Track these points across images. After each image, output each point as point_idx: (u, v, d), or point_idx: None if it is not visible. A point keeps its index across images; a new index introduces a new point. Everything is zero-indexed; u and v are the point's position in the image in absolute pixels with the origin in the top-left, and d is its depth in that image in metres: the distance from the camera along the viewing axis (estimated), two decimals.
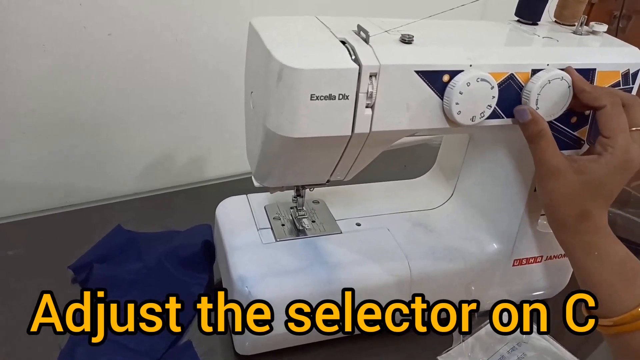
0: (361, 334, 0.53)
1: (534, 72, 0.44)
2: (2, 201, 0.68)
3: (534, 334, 0.55)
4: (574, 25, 0.52)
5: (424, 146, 0.91)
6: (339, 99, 0.39)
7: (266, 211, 0.56)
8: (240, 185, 0.62)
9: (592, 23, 0.51)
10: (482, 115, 0.43)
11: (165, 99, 0.72)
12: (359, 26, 0.42)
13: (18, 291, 0.56)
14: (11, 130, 0.65)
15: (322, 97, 0.39)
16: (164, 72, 0.70)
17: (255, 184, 0.49)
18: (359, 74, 0.39)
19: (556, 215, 0.45)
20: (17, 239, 0.64)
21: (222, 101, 0.75)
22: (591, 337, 0.52)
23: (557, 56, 0.45)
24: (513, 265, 0.55)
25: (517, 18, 0.53)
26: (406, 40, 0.42)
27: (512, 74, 0.44)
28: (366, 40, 0.41)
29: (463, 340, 0.53)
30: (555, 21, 0.54)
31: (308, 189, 0.54)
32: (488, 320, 0.55)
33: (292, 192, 0.55)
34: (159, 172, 0.76)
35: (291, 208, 0.55)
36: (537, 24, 0.52)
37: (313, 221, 0.55)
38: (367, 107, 0.40)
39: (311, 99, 0.38)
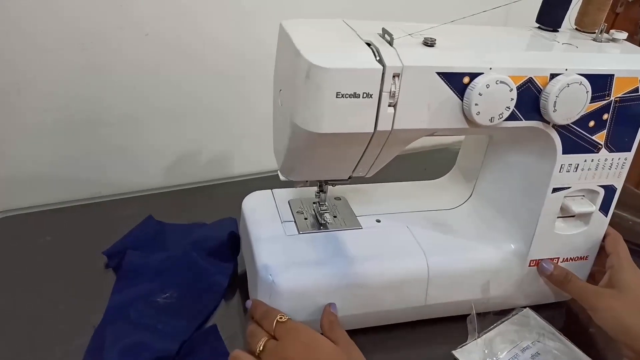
0: (376, 326, 0.55)
1: (552, 76, 0.46)
2: (42, 191, 0.72)
3: (549, 334, 0.56)
4: (594, 32, 0.54)
5: (444, 150, 0.93)
6: (363, 97, 0.41)
7: (290, 205, 0.59)
8: (261, 184, 0.64)
9: (612, 31, 0.53)
10: (501, 116, 0.45)
11: (191, 98, 0.75)
12: (383, 29, 0.45)
13: (54, 274, 0.60)
14: (48, 125, 0.69)
15: (347, 95, 0.41)
16: (192, 72, 0.73)
17: (281, 177, 0.52)
18: (383, 74, 0.41)
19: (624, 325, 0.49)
20: (55, 225, 0.68)
21: (249, 102, 0.78)
22: (605, 338, 0.52)
23: (575, 62, 0.47)
24: (529, 265, 0.56)
25: (538, 25, 0.55)
26: (428, 43, 0.44)
27: (531, 77, 0.45)
28: (390, 43, 0.43)
29: (478, 337, 0.54)
30: (576, 28, 0.55)
31: (330, 185, 0.56)
32: (505, 318, 0.56)
33: (314, 188, 0.57)
34: (186, 168, 0.80)
35: (314, 203, 0.58)
36: (557, 31, 0.54)
37: (335, 216, 0.57)
38: (389, 106, 0.43)
39: (337, 97, 0.41)
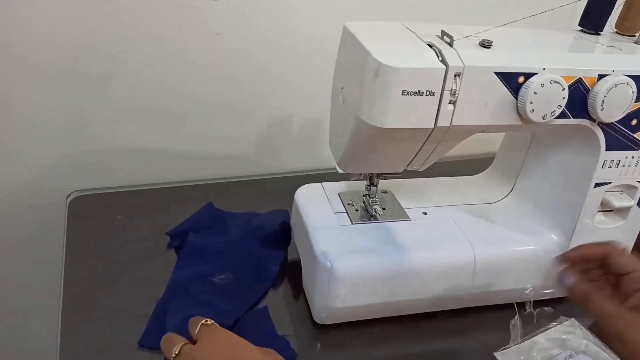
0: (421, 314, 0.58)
1: (600, 76, 0.49)
2: (125, 172, 0.79)
3: (594, 345, 0.55)
4: (634, 35, 0.57)
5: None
6: (426, 95, 0.45)
7: (340, 198, 0.62)
8: (306, 179, 0.67)
9: None
10: (553, 114, 0.48)
11: (240, 96, 0.79)
12: (442, 31, 0.48)
13: (121, 250, 0.64)
14: (118, 117, 0.74)
15: (411, 93, 0.44)
16: (254, 73, 0.77)
17: (339, 170, 0.55)
18: (446, 73, 0.44)
19: None
20: (126, 205, 0.72)
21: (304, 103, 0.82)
22: None
23: (622, 63, 0.50)
24: None
25: (580, 28, 0.58)
26: (485, 44, 0.47)
27: (580, 77, 0.48)
28: (450, 44, 0.46)
29: (521, 341, 0.54)
30: (616, 32, 0.58)
31: (382, 179, 0.59)
32: (549, 326, 0.57)
33: (363, 182, 0.60)
34: (239, 162, 0.84)
35: (364, 195, 0.61)
36: (599, 34, 0.57)
37: (384, 208, 0.61)
38: (449, 103, 0.46)
39: (402, 94, 0.44)
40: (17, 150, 0.72)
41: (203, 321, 0.44)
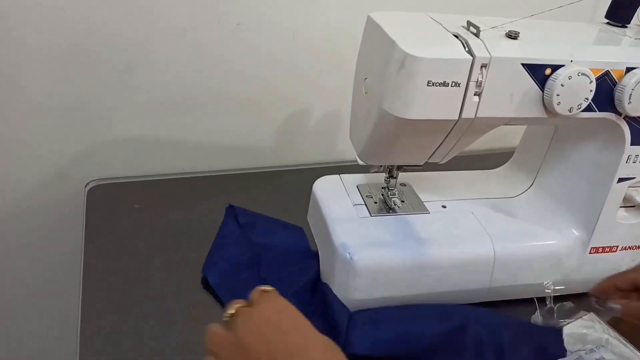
0: None
1: (629, 69, 0.48)
2: (141, 162, 0.79)
3: (614, 339, 0.54)
4: None
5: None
6: (451, 86, 0.44)
7: (359, 190, 0.62)
8: (324, 171, 0.67)
9: None
10: (579, 107, 0.47)
11: (257, 87, 0.78)
12: (468, 22, 0.47)
13: (139, 240, 0.64)
14: (135, 108, 0.74)
15: (437, 84, 0.44)
16: (269, 64, 0.77)
17: (360, 162, 0.55)
18: (472, 64, 0.44)
19: None
20: (144, 196, 0.72)
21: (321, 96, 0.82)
22: None
23: None
24: (589, 252, 0.59)
25: (607, 20, 0.57)
26: (512, 35, 0.46)
27: (607, 70, 0.48)
28: (477, 35, 0.46)
29: None
30: None
31: (401, 171, 0.58)
32: (569, 321, 0.56)
33: (382, 175, 0.60)
34: (256, 153, 0.84)
35: (382, 188, 0.61)
36: (626, 27, 0.56)
37: (402, 201, 0.60)
38: (475, 94, 0.45)
39: (427, 85, 0.44)
40: (35, 141, 0.73)
41: (262, 288, 0.40)
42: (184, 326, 0.53)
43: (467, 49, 0.44)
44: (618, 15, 0.55)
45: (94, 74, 0.70)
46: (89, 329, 0.52)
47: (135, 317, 0.54)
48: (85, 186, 0.74)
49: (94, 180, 0.75)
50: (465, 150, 0.54)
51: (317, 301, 0.55)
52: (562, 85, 0.45)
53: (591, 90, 0.47)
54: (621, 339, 0.54)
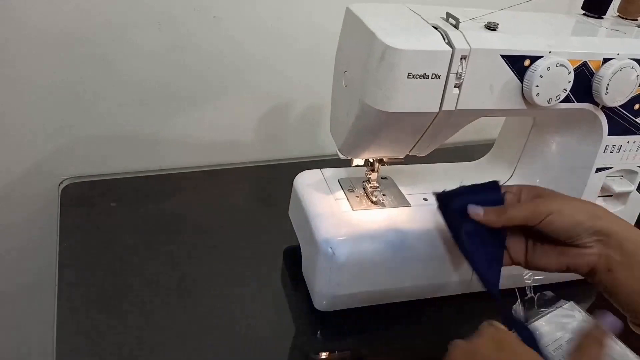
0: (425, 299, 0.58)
1: (605, 60, 0.48)
2: (118, 160, 0.77)
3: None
4: (637, 20, 0.56)
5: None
6: (431, 78, 0.44)
7: (340, 184, 0.61)
8: (309, 166, 0.66)
9: None
10: (558, 98, 0.47)
11: (239, 81, 0.77)
12: (447, 13, 0.47)
13: (116, 238, 0.63)
14: (124, 97, 0.73)
15: (417, 76, 0.43)
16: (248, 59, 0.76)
17: (341, 156, 0.54)
18: (452, 56, 0.43)
19: None
20: (120, 193, 0.71)
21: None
22: None
23: (627, 47, 0.49)
24: None
25: (583, 12, 0.57)
26: (491, 27, 0.46)
27: (585, 61, 0.48)
28: (456, 26, 0.45)
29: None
30: (619, 16, 0.58)
31: (383, 165, 0.58)
32: (549, 310, 0.57)
33: (364, 169, 0.59)
34: (240, 147, 0.83)
35: (364, 182, 0.60)
36: (602, 18, 0.56)
37: (384, 195, 0.60)
38: (455, 86, 0.45)
39: (408, 77, 0.43)
40: (8, 137, 0.70)
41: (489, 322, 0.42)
42: (162, 323, 0.53)
43: (446, 41, 0.44)
44: (594, 7, 0.56)
45: (69, 68, 0.68)
46: (65, 328, 0.51)
47: (113, 315, 0.53)
48: (59, 184, 0.72)
49: (68, 178, 0.73)
50: (445, 143, 0.54)
51: None
52: (541, 77, 0.45)
53: (569, 81, 0.47)
54: None
